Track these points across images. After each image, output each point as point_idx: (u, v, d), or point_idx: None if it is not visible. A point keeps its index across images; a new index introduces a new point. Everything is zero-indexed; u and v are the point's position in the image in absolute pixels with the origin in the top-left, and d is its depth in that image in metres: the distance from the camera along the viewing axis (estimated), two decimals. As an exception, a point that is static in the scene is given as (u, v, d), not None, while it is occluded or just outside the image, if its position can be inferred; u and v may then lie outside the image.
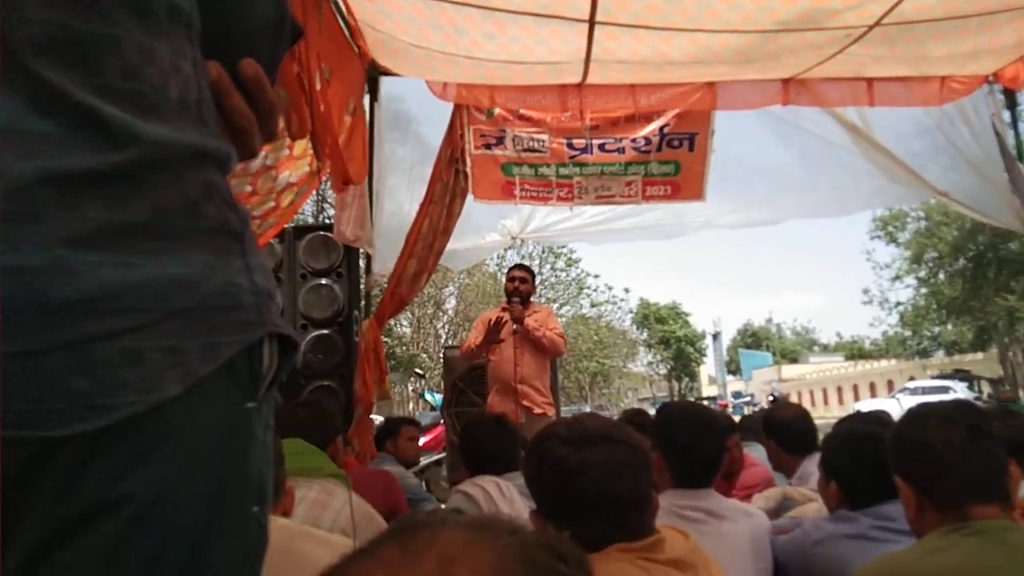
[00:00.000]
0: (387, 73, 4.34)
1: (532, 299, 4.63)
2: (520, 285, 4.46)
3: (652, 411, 2.97)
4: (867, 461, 1.82)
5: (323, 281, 4.25)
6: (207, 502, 0.58)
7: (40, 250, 0.51)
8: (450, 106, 4.52)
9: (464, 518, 0.49)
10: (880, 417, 2.06)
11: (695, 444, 1.84)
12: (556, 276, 28.00)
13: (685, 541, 1.30)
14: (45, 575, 0.52)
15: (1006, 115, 4.63)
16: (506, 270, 5.01)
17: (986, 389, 21.54)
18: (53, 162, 0.52)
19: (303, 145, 3.70)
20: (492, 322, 4.39)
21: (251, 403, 0.63)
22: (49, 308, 0.51)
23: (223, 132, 0.67)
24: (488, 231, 5.23)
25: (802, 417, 2.82)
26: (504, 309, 4.47)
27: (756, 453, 3.34)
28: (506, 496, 2.17)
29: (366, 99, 4.23)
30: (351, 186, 3.68)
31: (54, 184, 0.52)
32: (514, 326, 4.30)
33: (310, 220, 13.60)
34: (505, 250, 18.02)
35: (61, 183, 0.52)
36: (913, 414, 1.44)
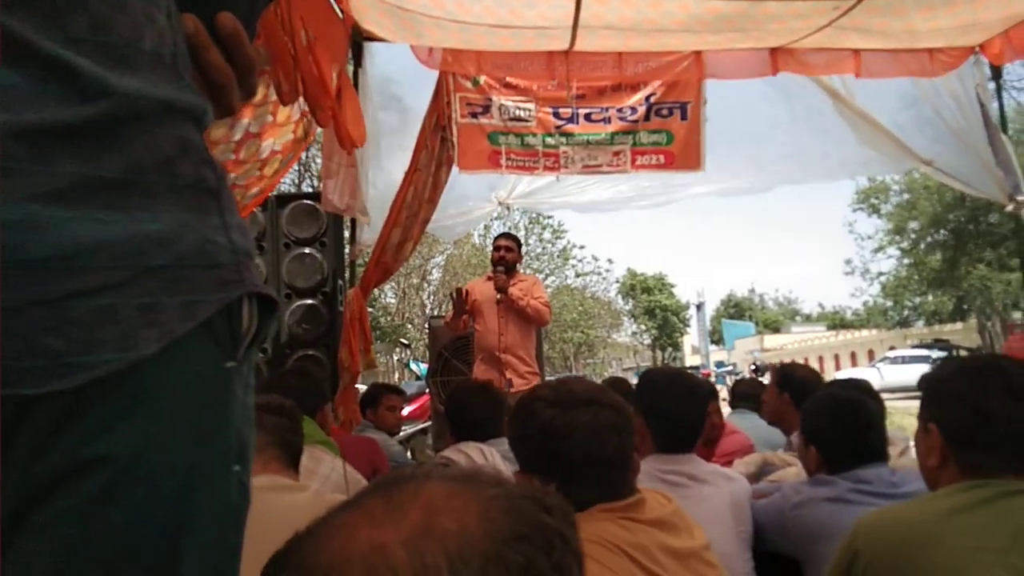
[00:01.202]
0: (371, 38, 4.27)
1: (519, 268, 4.64)
2: (505, 254, 4.46)
3: (635, 380, 3.01)
4: (846, 426, 1.86)
5: (306, 250, 4.22)
6: (187, 460, 0.57)
7: (12, 205, 0.50)
8: (435, 73, 4.47)
9: (449, 471, 0.49)
10: (859, 384, 2.10)
11: (678, 410, 1.86)
12: (542, 247, 28.03)
13: (667, 503, 1.33)
14: (26, 535, 0.52)
15: (991, 86, 4.65)
16: (491, 242, 5.01)
17: (964, 359, 21.85)
18: (22, 116, 0.50)
19: (287, 112, 3.64)
20: (455, 294, 4.43)
21: (231, 363, 0.62)
22: (23, 264, 0.50)
23: (200, 88, 0.66)
24: (475, 200, 5.21)
25: (818, 377, 2.91)
26: (489, 278, 4.48)
27: (747, 422, 3.40)
28: (489, 461, 2.19)
29: (349, 67, 4.16)
30: (336, 155, 3.64)
31: (25, 138, 0.51)
32: (498, 295, 4.31)
33: (292, 190, 13.45)
34: (492, 219, 17.98)
35: (32, 137, 0.51)
36: (977, 369, 1.32)
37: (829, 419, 1.88)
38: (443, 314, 4.92)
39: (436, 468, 0.50)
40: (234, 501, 0.62)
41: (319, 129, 3.54)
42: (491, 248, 4.70)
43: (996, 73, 4.66)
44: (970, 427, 1.25)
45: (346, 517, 0.45)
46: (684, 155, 4.70)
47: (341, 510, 0.47)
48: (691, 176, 4.92)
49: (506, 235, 4.70)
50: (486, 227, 21.62)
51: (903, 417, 10.48)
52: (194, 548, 0.57)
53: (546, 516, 0.45)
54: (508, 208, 5.51)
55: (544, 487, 0.49)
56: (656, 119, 4.66)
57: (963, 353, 22.43)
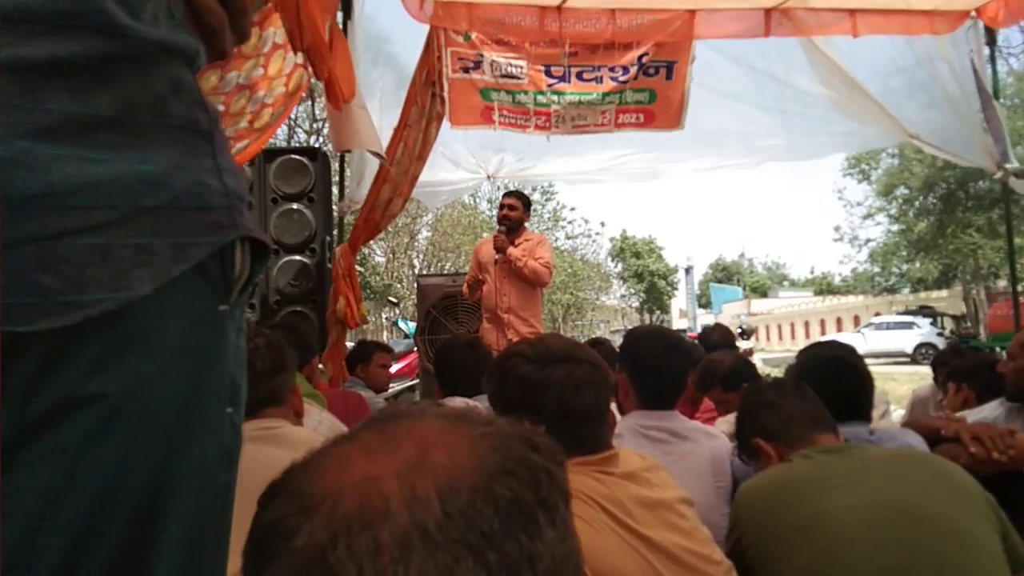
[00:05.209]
0: (361, -11, 4.19)
1: (526, 226, 4.61)
2: (508, 213, 4.43)
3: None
4: (833, 382, 1.90)
5: (294, 206, 4.19)
6: (180, 401, 0.58)
7: (1, 142, 0.49)
8: (425, 28, 4.39)
9: (443, 409, 0.51)
10: (849, 348, 2.14)
11: (661, 366, 1.88)
12: (532, 208, 27.92)
13: (641, 460, 1.35)
14: (18, 471, 0.52)
15: (985, 52, 4.62)
16: (481, 201, 4.98)
17: (948, 325, 22.12)
18: (13, 50, 0.50)
19: (278, 65, 3.57)
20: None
21: (223, 306, 0.63)
22: (12, 202, 0.50)
23: (193, 30, 0.65)
24: (464, 162, 5.17)
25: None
26: (494, 237, 4.45)
27: None
28: (476, 416, 2.21)
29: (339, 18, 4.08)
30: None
31: (15, 73, 0.50)
32: (496, 255, 4.30)
33: (281, 144, 13.27)
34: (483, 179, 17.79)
35: (22, 72, 0.50)
36: (754, 389, 1.80)
37: (819, 373, 1.92)
38: (432, 273, 4.90)
39: (430, 407, 0.51)
40: (226, 441, 0.63)
41: (310, 83, 3.48)
42: (476, 208, 4.67)
43: (991, 38, 4.63)
44: (781, 421, 1.64)
45: (342, 449, 0.47)
46: (664, 114, 4.65)
47: (337, 443, 0.48)
48: (678, 152, 4.90)
49: (512, 193, 4.62)
50: (476, 187, 21.45)
51: (885, 382, 10.69)
52: (183, 487, 0.58)
53: (534, 454, 0.47)
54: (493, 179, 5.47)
55: (533, 427, 0.50)
56: (643, 78, 4.61)
57: (947, 320, 22.69)
